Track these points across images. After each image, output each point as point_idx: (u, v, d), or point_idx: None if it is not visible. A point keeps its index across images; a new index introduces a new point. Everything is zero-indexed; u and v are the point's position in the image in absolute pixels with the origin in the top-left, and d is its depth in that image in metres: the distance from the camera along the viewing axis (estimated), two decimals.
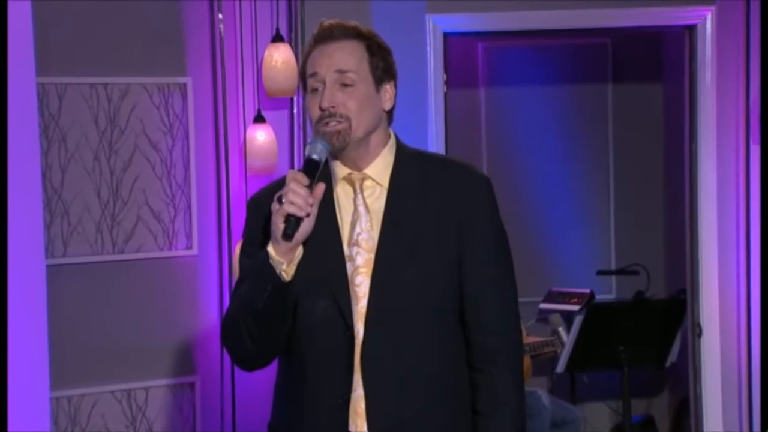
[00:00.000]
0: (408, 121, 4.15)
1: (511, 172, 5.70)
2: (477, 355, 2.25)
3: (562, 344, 4.82)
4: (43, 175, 3.61)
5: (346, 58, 2.21)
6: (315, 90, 2.21)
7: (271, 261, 2.13)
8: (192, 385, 3.87)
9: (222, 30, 3.86)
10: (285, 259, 2.13)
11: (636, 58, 5.70)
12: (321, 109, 2.19)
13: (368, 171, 2.25)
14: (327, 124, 2.19)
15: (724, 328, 4.21)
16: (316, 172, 2.16)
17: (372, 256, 2.21)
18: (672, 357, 4.92)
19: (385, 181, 2.25)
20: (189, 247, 3.88)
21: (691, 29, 4.23)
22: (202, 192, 3.88)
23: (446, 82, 4.19)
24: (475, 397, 2.25)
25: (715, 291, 4.22)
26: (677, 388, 5.40)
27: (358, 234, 2.22)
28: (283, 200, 2.11)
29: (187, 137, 3.88)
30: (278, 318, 2.19)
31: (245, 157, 3.86)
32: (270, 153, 3.85)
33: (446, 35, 4.15)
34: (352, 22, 2.29)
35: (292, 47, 3.90)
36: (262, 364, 2.28)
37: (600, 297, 5.23)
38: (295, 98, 3.96)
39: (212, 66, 3.89)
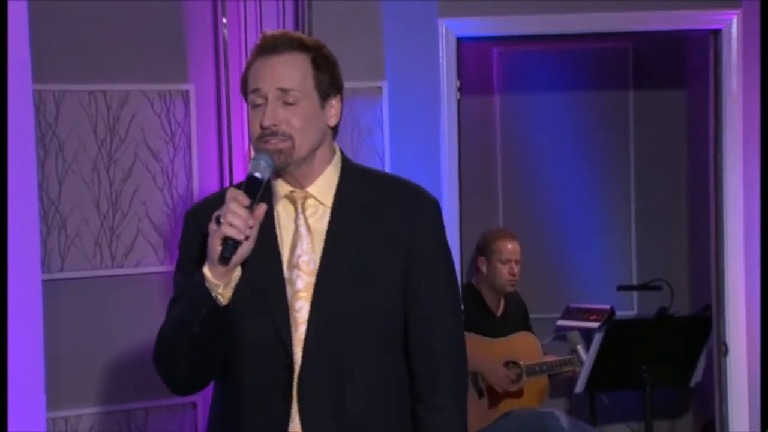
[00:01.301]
0: (419, 130, 4.16)
1: (528, 183, 5.70)
2: (420, 385, 2.25)
3: (581, 363, 4.81)
4: (40, 186, 3.62)
5: (289, 75, 2.20)
6: (257, 106, 2.20)
7: (206, 283, 2.13)
8: (194, 404, 3.87)
9: (226, 34, 3.87)
10: (221, 282, 2.13)
11: (658, 63, 5.70)
12: (262, 127, 2.18)
13: (311, 189, 2.25)
14: (267, 141, 2.18)
15: (751, 346, 4.19)
16: (258, 190, 2.15)
17: (313, 279, 2.20)
18: (696, 376, 4.90)
19: (329, 201, 2.25)
20: None
21: (716, 33, 4.22)
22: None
23: (459, 89, 4.19)
24: (416, 429, 2.25)
25: (741, 307, 4.20)
26: (702, 409, 5.37)
27: (299, 256, 2.21)
28: (222, 221, 2.10)
29: (189, 146, 3.89)
30: (214, 341, 2.18)
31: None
32: None
33: (459, 40, 4.16)
34: (297, 33, 2.28)
35: None
36: (197, 388, 2.28)
37: (620, 313, 5.22)
38: None
39: (215, 72, 3.90)
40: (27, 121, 3.23)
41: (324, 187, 2.25)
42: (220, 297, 2.14)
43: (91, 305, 3.78)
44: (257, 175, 2.15)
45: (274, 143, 2.18)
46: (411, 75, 4.13)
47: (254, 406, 2.20)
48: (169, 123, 3.88)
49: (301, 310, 2.20)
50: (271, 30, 2.28)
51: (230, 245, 2.10)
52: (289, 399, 2.18)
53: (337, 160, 2.29)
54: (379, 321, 2.22)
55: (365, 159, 4.06)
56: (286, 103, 2.19)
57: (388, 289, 2.22)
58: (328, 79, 2.25)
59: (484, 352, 4.69)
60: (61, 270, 3.74)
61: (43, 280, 3.36)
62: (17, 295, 3.16)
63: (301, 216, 2.23)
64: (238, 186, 2.22)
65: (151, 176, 3.85)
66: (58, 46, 3.69)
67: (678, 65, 5.67)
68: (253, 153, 2.23)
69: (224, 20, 3.86)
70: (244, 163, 3.91)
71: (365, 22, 4.07)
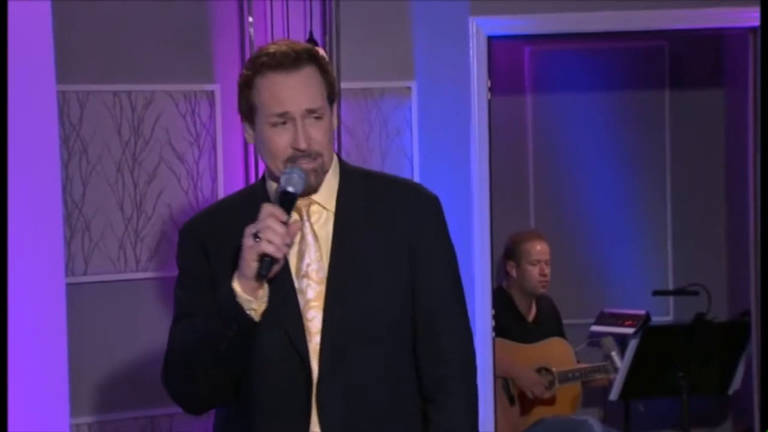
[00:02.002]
0: (449, 132, 4.15)
1: (560, 185, 5.67)
2: (431, 386, 2.27)
3: (616, 370, 4.78)
4: (64, 188, 3.64)
5: (313, 94, 2.20)
6: (278, 124, 2.20)
7: (237, 299, 2.14)
8: None
9: (252, 33, 3.88)
10: (253, 297, 2.14)
11: (695, 62, 5.66)
12: (297, 149, 2.19)
13: (314, 196, 2.25)
14: (298, 163, 2.19)
15: None
16: (293, 206, 2.16)
17: (323, 288, 2.22)
18: (735, 384, 4.86)
19: (332, 205, 2.26)
20: None
21: (754, 31, 4.19)
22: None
23: (490, 89, 4.18)
24: (428, 430, 2.26)
25: None
26: (741, 418, 5.33)
27: (308, 265, 2.23)
28: (260, 237, 2.10)
29: (214, 148, 3.90)
30: (240, 358, 2.19)
31: None
32: None
33: (490, 39, 4.15)
34: (300, 43, 2.27)
35: (326, 51, 3.91)
36: (213, 406, 2.29)
37: (656, 319, 5.18)
38: None
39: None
40: (51, 122, 3.25)
41: (326, 192, 2.26)
42: (252, 312, 2.14)
43: (116, 309, 3.80)
44: (290, 189, 2.16)
45: (306, 164, 2.19)
46: (441, 75, 4.12)
47: (272, 419, 2.21)
48: (195, 124, 3.89)
49: (314, 319, 2.21)
50: (273, 44, 2.25)
51: (267, 262, 2.11)
52: (308, 410, 2.20)
53: (335, 164, 2.30)
54: (390, 323, 2.24)
55: (393, 161, 4.06)
56: (313, 120, 2.20)
57: (397, 291, 2.24)
58: (332, 84, 2.27)
59: (516, 358, 4.67)
60: (85, 273, 3.76)
61: (67, 284, 3.37)
62: (41, 299, 3.18)
63: (306, 224, 2.24)
64: (243, 195, 2.26)
65: (176, 178, 3.87)
66: (81, 45, 3.71)
67: (715, 64, 5.63)
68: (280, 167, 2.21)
69: (250, 19, 3.87)
70: None
71: (394, 21, 4.06)
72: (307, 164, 2.19)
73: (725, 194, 5.64)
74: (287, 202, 2.15)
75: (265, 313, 2.16)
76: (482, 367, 4.22)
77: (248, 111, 2.24)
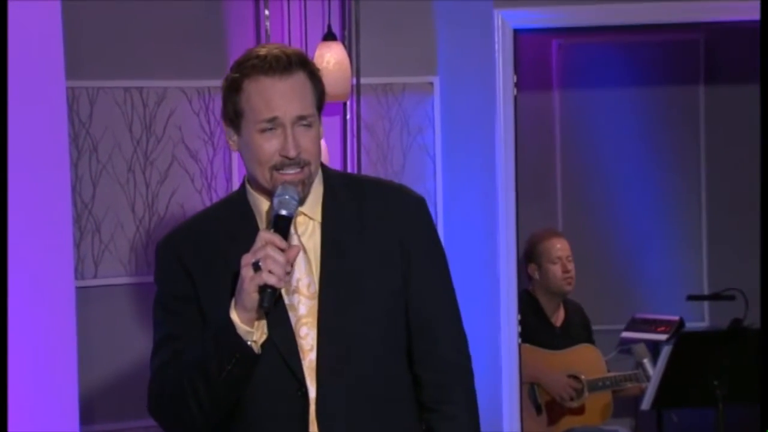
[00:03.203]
0: (473, 129, 4.15)
1: (589, 184, 5.66)
2: (430, 394, 2.28)
3: (648, 378, 4.77)
4: (73, 189, 3.66)
5: (304, 101, 2.20)
6: (267, 130, 2.19)
7: (238, 331, 2.12)
8: None
9: (268, 28, 3.88)
10: (252, 327, 2.13)
11: (731, 56, 5.64)
12: (287, 156, 2.18)
13: (300, 207, 2.24)
14: (285, 173, 2.18)
15: None
16: (288, 230, 2.15)
17: (315, 303, 2.21)
18: None
19: (317, 215, 2.26)
20: None
21: None
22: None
23: (516, 84, 4.17)
24: None
25: None
26: None
27: (298, 280, 2.22)
28: (261, 267, 2.08)
29: (229, 146, 3.90)
30: (237, 387, 2.18)
31: None
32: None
33: (516, 32, 4.14)
34: (291, 48, 2.27)
35: (345, 46, 3.92)
36: None
37: (690, 325, 5.16)
38: (348, 103, 3.97)
39: None
40: (60, 119, 3.26)
41: (312, 201, 2.26)
42: (253, 344, 2.14)
43: (127, 314, 3.81)
44: (284, 213, 2.15)
45: (294, 174, 2.19)
46: (464, 69, 4.12)
47: None
48: (209, 121, 3.90)
49: (307, 336, 2.21)
50: (263, 46, 2.25)
51: (269, 294, 2.09)
52: (305, 430, 2.20)
53: (319, 171, 2.30)
54: (385, 334, 2.24)
55: (415, 159, 4.06)
56: (302, 127, 2.20)
57: (390, 297, 2.25)
58: (322, 92, 2.27)
59: (544, 364, 4.66)
60: (95, 276, 3.77)
61: (76, 288, 3.39)
62: (49, 303, 3.19)
63: (293, 236, 2.23)
64: (222, 206, 2.27)
65: (189, 178, 3.88)
66: (91, 40, 3.73)
67: (752, 58, 5.60)
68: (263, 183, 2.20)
69: (266, 13, 3.88)
70: None
71: (416, 14, 4.07)
72: (294, 174, 2.18)
73: (763, 195, 5.61)
74: (282, 226, 2.14)
75: (267, 340, 2.16)
76: (508, 374, 4.25)
77: (234, 116, 2.23)
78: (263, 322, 2.15)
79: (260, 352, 2.15)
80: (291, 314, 2.21)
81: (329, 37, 3.90)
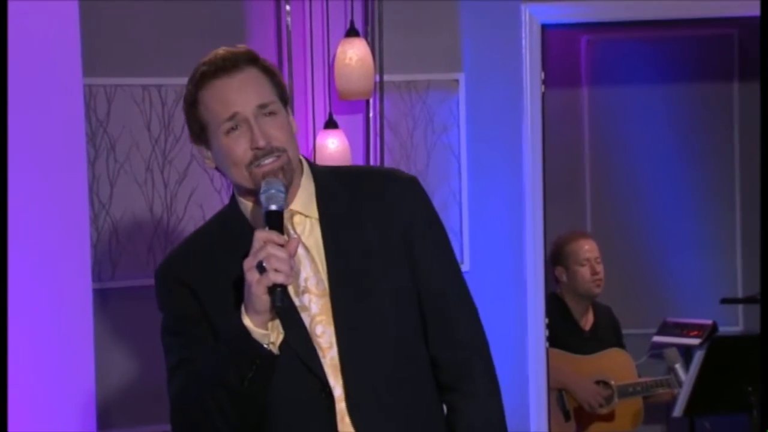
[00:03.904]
0: (499, 127, 4.14)
1: (619, 183, 5.65)
2: (449, 373, 2.30)
3: (680, 384, 4.75)
4: (90, 189, 3.67)
5: (260, 89, 2.22)
6: (233, 129, 2.21)
7: (253, 336, 2.13)
8: None
9: (289, 23, 3.89)
10: (266, 330, 2.14)
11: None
12: (258, 148, 2.19)
13: (294, 206, 2.26)
14: (262, 165, 2.19)
15: None
16: (282, 224, 2.16)
17: (327, 300, 2.23)
18: None
19: (313, 212, 2.27)
20: None
21: None
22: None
23: (544, 81, 4.17)
24: (454, 420, 2.29)
25: None
26: None
27: (306, 280, 2.23)
28: (266, 267, 2.09)
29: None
30: (261, 394, 2.19)
31: None
32: (342, 162, 3.86)
33: (544, 27, 4.13)
34: (241, 46, 2.30)
35: (368, 43, 3.92)
36: None
37: (724, 329, 5.14)
38: (371, 101, 3.97)
39: (278, 65, 3.92)
40: (77, 117, 3.28)
41: (305, 199, 2.27)
42: (271, 346, 2.15)
43: (145, 317, 3.82)
44: (274, 207, 2.15)
45: (271, 163, 2.19)
46: (491, 66, 4.11)
47: None
48: None
49: (324, 334, 2.23)
50: (209, 54, 2.30)
51: (279, 293, 2.10)
52: (334, 429, 2.21)
53: (305, 168, 2.31)
54: (399, 318, 2.26)
55: (439, 159, 4.06)
56: (266, 117, 2.21)
57: (398, 285, 2.26)
58: (281, 85, 2.29)
59: (572, 369, 4.65)
60: (113, 278, 3.78)
61: (94, 290, 3.40)
62: (66, 305, 3.21)
63: (292, 234, 2.24)
64: (216, 223, 2.28)
65: (209, 177, 3.89)
66: (109, 36, 3.74)
67: None
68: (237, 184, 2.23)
69: (288, 8, 3.88)
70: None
71: (440, 9, 4.06)
72: (271, 164, 2.18)
73: None
74: (276, 221, 2.14)
75: (283, 343, 2.17)
76: (535, 379, 4.25)
77: (200, 131, 2.26)
78: (277, 323, 2.16)
79: (278, 353, 2.16)
80: (304, 315, 2.22)
81: (352, 33, 3.91)
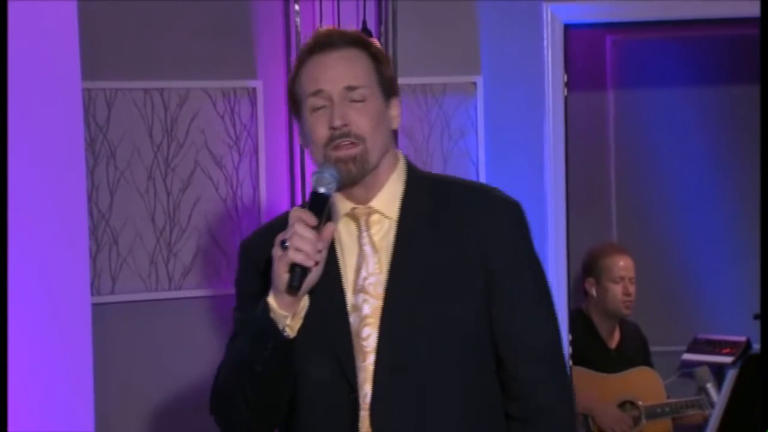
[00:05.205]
0: (520, 132, 4.14)
1: (646, 192, 5.64)
2: (523, 413, 2.26)
3: (712, 405, 4.73)
4: (89, 198, 3.68)
5: (353, 71, 2.25)
6: (318, 108, 2.24)
7: (272, 314, 2.17)
8: None
9: (299, 24, 3.90)
10: (288, 312, 2.18)
11: None
12: (333, 127, 2.21)
13: (374, 203, 2.28)
14: (339, 147, 2.21)
15: None
16: (324, 208, 2.19)
17: (381, 304, 2.25)
18: None
19: (394, 213, 2.28)
20: None
21: None
22: (273, 217, 3.91)
23: (567, 84, 4.17)
24: None
25: None
26: None
27: (365, 279, 2.26)
28: (287, 245, 2.13)
29: (256, 151, 3.93)
30: (280, 381, 2.23)
31: None
32: None
33: (567, 27, 4.14)
34: (349, 29, 2.33)
35: (381, 43, 3.92)
36: None
37: (758, 346, 5.11)
38: None
39: (287, 67, 3.93)
40: (75, 123, 3.29)
41: (388, 198, 2.29)
42: (287, 329, 2.19)
43: (146, 332, 3.83)
44: (321, 190, 2.19)
45: (346, 147, 2.21)
46: (510, 68, 4.11)
47: None
48: (234, 125, 3.92)
49: (369, 337, 2.24)
50: (323, 28, 2.33)
51: (298, 273, 2.14)
52: None
53: (401, 167, 2.33)
54: (457, 342, 2.25)
55: (456, 165, 4.06)
56: (353, 101, 2.23)
57: (465, 306, 2.25)
58: (388, 74, 2.31)
59: (597, 390, 4.64)
60: (112, 292, 3.79)
61: (93, 304, 3.41)
62: (64, 320, 3.21)
63: (365, 234, 2.27)
64: (303, 205, 2.26)
65: (214, 185, 3.90)
66: (109, 38, 3.76)
67: None
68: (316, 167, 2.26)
69: (297, 7, 3.89)
70: None
71: (457, 7, 4.07)
72: (346, 148, 2.21)
73: None
74: (318, 204, 2.18)
75: (311, 336, 2.19)
76: None
77: (295, 107, 2.30)
78: (302, 308, 2.19)
79: (293, 336, 2.18)
80: (354, 314, 2.24)
81: (364, 33, 3.91)
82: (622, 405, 4.69)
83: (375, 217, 2.28)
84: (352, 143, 2.21)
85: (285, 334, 2.18)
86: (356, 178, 2.24)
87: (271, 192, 3.94)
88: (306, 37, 3.90)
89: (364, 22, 3.92)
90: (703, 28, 5.22)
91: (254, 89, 3.92)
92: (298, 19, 3.90)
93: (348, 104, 2.23)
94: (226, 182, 3.91)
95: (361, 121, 2.22)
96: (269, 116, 3.93)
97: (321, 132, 2.23)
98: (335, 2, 3.93)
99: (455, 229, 2.27)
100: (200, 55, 3.88)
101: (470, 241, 2.26)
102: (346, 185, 2.25)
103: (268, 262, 2.24)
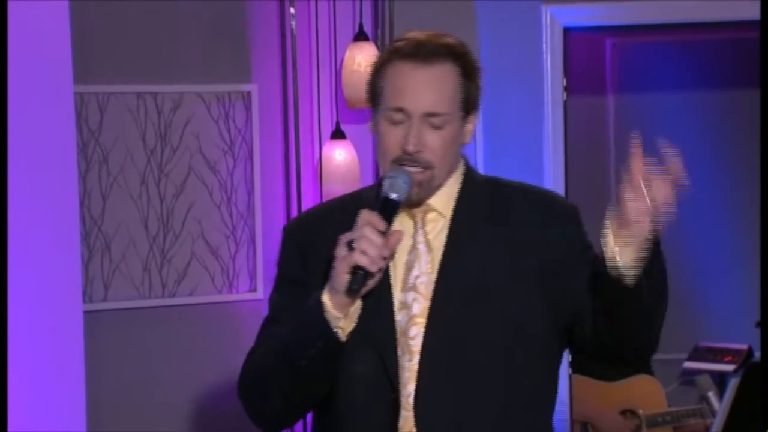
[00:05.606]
0: (518, 136, 4.14)
1: None
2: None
3: (713, 413, 4.74)
4: (81, 203, 3.68)
5: (439, 95, 2.23)
6: (395, 123, 2.24)
7: (325, 314, 2.18)
8: None
9: (294, 27, 3.90)
10: (341, 313, 2.18)
11: None
12: (405, 151, 2.22)
13: (432, 202, 2.28)
14: (402, 166, 2.22)
15: None
16: (394, 214, 2.19)
17: (429, 303, 2.25)
18: None
19: (449, 212, 2.29)
20: (253, 289, 3.91)
21: None
22: (268, 223, 3.92)
23: (566, 88, 4.17)
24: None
25: None
26: None
27: (416, 277, 2.26)
28: (354, 246, 2.14)
29: (251, 157, 3.92)
30: (321, 378, 2.24)
31: (321, 181, 3.88)
32: (350, 175, 3.87)
33: (567, 30, 4.14)
34: (446, 36, 2.29)
35: (378, 47, 3.92)
36: (288, 425, 2.37)
37: (760, 354, 5.11)
38: None
39: (282, 71, 3.93)
40: (67, 127, 3.28)
41: (445, 198, 2.29)
42: (339, 331, 2.19)
43: (139, 340, 3.83)
44: (393, 196, 2.19)
45: (413, 174, 2.22)
46: (509, 72, 4.11)
47: None
48: (228, 129, 3.92)
49: (416, 337, 2.24)
50: (413, 31, 2.29)
51: (360, 276, 2.14)
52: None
53: (460, 170, 2.33)
54: (506, 345, 2.24)
55: None
56: (432, 126, 2.23)
57: (516, 310, 2.24)
58: (474, 91, 2.30)
59: (597, 399, 4.64)
60: (105, 299, 3.79)
61: (84, 312, 3.40)
62: (55, 328, 3.21)
63: (420, 232, 2.28)
64: (351, 198, 2.31)
65: (208, 191, 3.90)
66: (102, 41, 3.76)
67: None
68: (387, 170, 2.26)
69: (292, 11, 3.89)
70: (313, 177, 3.93)
71: (455, 10, 4.07)
72: (414, 175, 2.22)
73: None
74: (388, 210, 2.18)
75: (354, 332, 2.20)
76: (558, 408, 4.23)
77: (373, 95, 2.29)
78: (355, 311, 2.19)
79: (346, 339, 2.19)
80: (403, 312, 2.24)
81: (361, 37, 3.92)
82: (622, 413, 4.70)
83: (431, 216, 2.28)
84: (421, 171, 2.22)
85: (337, 336, 2.19)
86: (420, 201, 2.26)
87: (266, 197, 3.94)
88: (302, 40, 3.94)
89: (361, 25, 3.92)
90: (702, 31, 5.23)
91: (249, 93, 3.92)
92: (293, 22, 3.90)
93: (426, 127, 2.22)
94: (221, 188, 3.91)
95: (434, 146, 2.23)
96: (264, 121, 3.93)
97: (392, 148, 2.23)
98: (331, 4, 3.93)
99: (511, 231, 2.27)
100: (194, 59, 3.88)
101: (527, 243, 2.26)
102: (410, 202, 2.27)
103: (314, 251, 2.26)
